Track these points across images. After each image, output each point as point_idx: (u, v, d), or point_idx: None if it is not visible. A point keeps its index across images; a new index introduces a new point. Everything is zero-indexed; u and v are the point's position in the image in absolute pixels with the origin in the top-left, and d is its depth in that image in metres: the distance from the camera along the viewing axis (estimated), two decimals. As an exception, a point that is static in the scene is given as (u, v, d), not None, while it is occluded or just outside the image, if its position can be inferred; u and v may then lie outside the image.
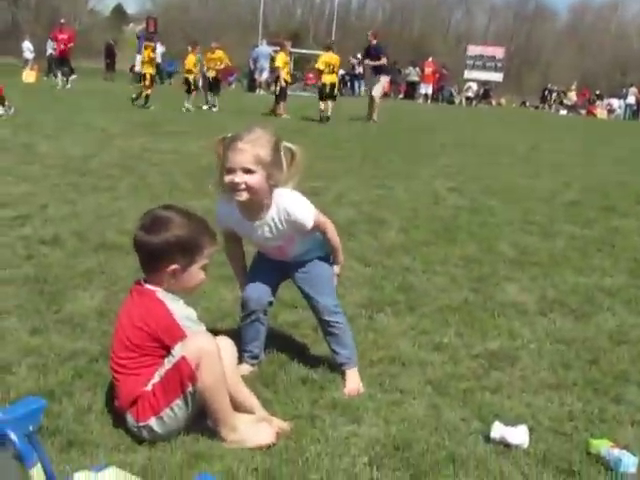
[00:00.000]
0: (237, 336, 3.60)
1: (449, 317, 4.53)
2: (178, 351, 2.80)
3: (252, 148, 3.09)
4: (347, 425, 3.10)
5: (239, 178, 3.10)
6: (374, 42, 20.54)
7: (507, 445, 2.96)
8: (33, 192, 7.35)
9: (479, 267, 5.68)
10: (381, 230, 6.75)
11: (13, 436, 1.35)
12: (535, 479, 2.77)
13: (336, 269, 3.59)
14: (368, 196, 8.39)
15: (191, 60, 21.36)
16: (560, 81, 55.23)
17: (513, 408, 3.34)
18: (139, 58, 31.08)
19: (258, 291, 3.54)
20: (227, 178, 3.13)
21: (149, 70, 20.79)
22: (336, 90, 19.84)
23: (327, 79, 19.42)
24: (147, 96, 20.20)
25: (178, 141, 12.28)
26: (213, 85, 21.73)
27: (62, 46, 25.94)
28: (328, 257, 3.57)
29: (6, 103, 14.89)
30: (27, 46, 34.71)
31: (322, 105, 19.20)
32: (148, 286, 2.92)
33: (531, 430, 3.06)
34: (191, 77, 21.07)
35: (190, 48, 22.16)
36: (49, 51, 29.17)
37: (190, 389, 2.80)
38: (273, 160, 3.15)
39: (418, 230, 6.83)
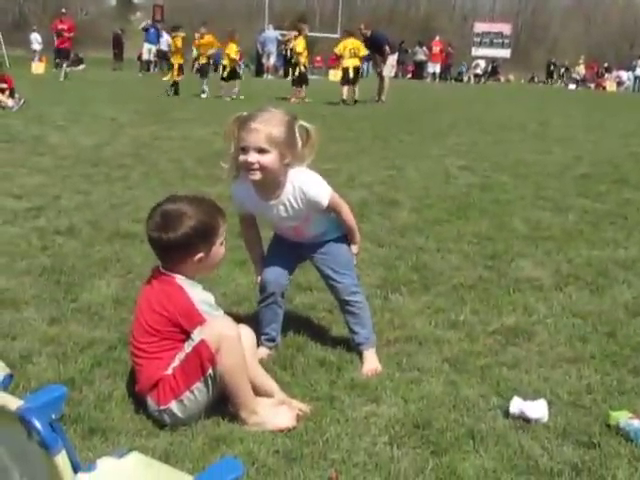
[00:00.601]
0: (254, 320, 3.62)
1: (464, 295, 4.53)
2: (198, 335, 2.82)
3: (265, 127, 3.07)
4: (366, 405, 3.11)
5: (252, 158, 3.09)
6: (368, 34, 20.41)
7: (526, 420, 2.96)
8: (46, 183, 7.39)
9: (492, 244, 5.67)
10: (393, 210, 6.74)
11: (37, 424, 1.36)
12: (555, 452, 2.77)
13: (354, 249, 3.57)
14: (379, 177, 8.38)
15: (233, 48, 21.01)
16: (568, 55, 54.83)
17: (531, 383, 3.35)
18: (146, 47, 31.11)
19: (275, 273, 3.54)
20: (241, 158, 3.12)
21: (179, 60, 21.07)
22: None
23: (349, 63, 19.39)
24: (175, 82, 20.53)
25: (188, 128, 12.29)
26: (202, 71, 21.40)
27: (64, 37, 25.62)
28: (345, 237, 3.55)
29: (16, 95, 14.94)
30: (35, 38, 34.76)
31: (345, 90, 19.18)
32: (167, 272, 2.94)
33: (550, 404, 3.06)
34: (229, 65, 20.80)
35: (228, 37, 21.55)
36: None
37: (210, 372, 2.81)
38: (287, 139, 3.13)
39: (430, 209, 6.82)
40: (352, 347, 3.58)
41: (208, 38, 21.54)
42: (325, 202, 3.29)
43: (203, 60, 21.68)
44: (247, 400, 2.89)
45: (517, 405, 3.00)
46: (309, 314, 4.15)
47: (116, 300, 4.23)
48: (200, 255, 2.91)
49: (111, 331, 3.78)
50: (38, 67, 29.19)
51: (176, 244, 2.85)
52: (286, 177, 3.24)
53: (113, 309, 4.10)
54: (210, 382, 2.83)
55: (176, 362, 2.85)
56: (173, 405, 2.84)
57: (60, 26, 26.04)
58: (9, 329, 3.76)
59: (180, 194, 3.11)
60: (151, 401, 2.89)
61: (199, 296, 2.91)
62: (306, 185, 3.25)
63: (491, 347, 3.76)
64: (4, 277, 4.57)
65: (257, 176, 3.14)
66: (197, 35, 22.04)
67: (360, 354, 3.53)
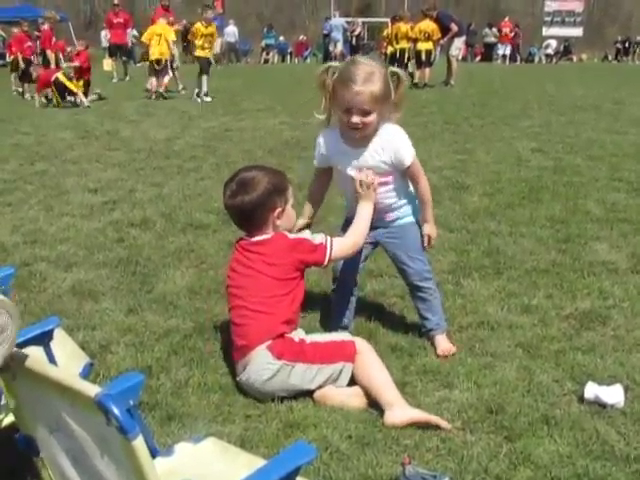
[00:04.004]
0: (326, 306, 3.66)
1: (537, 279, 4.48)
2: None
3: (367, 88, 3.14)
4: (439, 390, 3.12)
5: (356, 119, 3.19)
6: (434, 15, 20.01)
7: (602, 405, 2.93)
8: (120, 177, 7.57)
9: (566, 227, 5.57)
10: (464, 195, 6.68)
11: (115, 410, 1.41)
12: (632, 438, 2.73)
13: (425, 228, 3.53)
14: (450, 161, 8.30)
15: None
16: (644, 31, 53.05)
17: (607, 367, 3.30)
18: (220, 42, 31.39)
19: (348, 261, 3.54)
20: (345, 118, 3.22)
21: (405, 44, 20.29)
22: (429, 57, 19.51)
23: (422, 46, 19.20)
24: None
25: (257, 118, 12.36)
26: (203, 67, 16.06)
27: (119, 30, 23.96)
28: (419, 222, 3.54)
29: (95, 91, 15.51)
30: (105, 35, 35.33)
31: (418, 72, 19.11)
32: (255, 238, 3.14)
33: (626, 389, 3.01)
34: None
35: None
36: (129, 40, 27.53)
37: (340, 366, 2.99)
38: (385, 93, 3.20)
39: (502, 193, 6.73)
40: (423, 333, 3.58)
41: (213, 27, 16.73)
42: (408, 160, 3.34)
43: (203, 53, 16.26)
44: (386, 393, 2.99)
45: (592, 390, 2.96)
46: (380, 300, 4.16)
47: (191, 290, 4.31)
48: (279, 209, 3.12)
49: (186, 320, 3.87)
50: (107, 64, 29.58)
51: (258, 202, 3.08)
52: (377, 129, 3.31)
53: (188, 299, 4.18)
54: (334, 374, 2.99)
55: (307, 340, 3.07)
56: (298, 367, 2.96)
57: (116, 20, 24.28)
58: (89, 320, 3.89)
59: (249, 164, 3.28)
60: (267, 353, 2.98)
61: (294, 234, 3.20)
62: (392, 136, 3.32)
63: (565, 332, 3.72)
64: (83, 269, 4.71)
65: (360, 134, 3.26)
66: (201, 23, 16.61)
67: (431, 339, 3.53)
